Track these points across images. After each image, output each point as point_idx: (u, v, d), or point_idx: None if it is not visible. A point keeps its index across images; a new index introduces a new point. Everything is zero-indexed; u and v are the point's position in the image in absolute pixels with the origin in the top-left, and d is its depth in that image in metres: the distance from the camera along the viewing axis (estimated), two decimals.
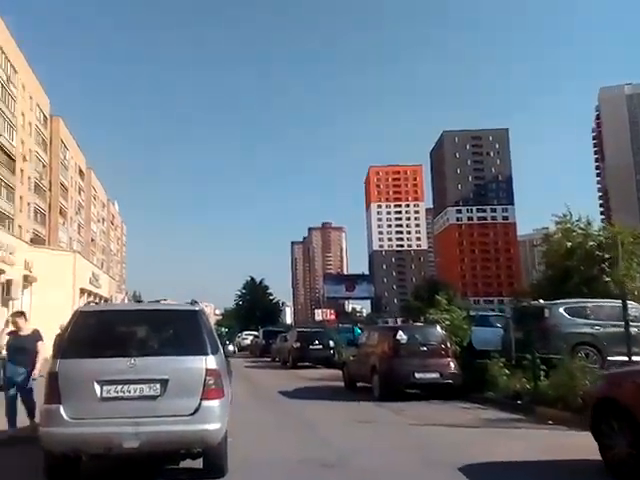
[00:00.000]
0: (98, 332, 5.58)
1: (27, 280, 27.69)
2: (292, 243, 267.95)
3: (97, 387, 5.07)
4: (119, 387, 5.10)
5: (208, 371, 5.24)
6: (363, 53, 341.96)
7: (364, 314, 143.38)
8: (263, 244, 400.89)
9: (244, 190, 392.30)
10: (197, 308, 6.02)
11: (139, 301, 10.07)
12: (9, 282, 24.75)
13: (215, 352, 5.50)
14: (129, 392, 5.11)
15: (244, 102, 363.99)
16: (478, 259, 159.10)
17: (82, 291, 33.61)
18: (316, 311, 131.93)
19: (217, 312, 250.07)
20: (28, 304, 27.95)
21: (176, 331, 5.72)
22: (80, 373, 5.14)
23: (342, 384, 14.33)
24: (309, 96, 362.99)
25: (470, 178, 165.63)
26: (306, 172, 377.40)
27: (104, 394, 5.07)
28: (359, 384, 13.36)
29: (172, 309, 6.51)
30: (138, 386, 5.12)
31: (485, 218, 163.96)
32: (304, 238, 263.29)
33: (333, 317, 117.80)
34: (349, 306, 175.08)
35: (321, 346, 22.30)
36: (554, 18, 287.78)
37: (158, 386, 5.13)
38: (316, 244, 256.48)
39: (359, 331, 34.95)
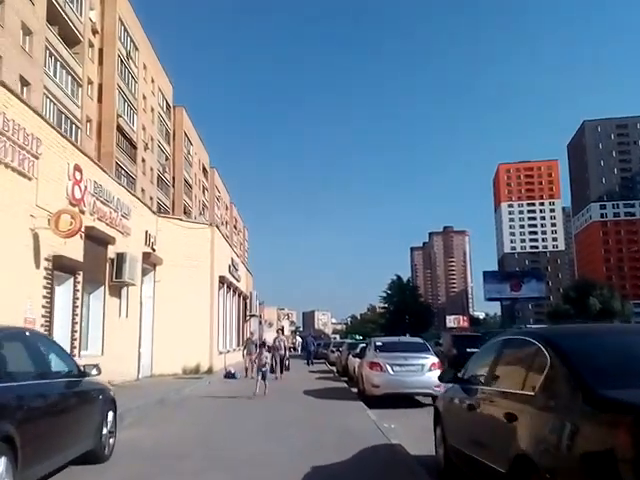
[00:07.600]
0: None
1: (148, 261, 18.55)
2: (411, 249, 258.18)
3: None
4: None
5: None
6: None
7: (498, 321, 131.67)
8: (380, 252, 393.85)
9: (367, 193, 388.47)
10: None
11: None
12: (121, 257, 15.24)
13: None
14: None
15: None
16: (625, 259, 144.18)
17: (221, 281, 23.60)
18: (447, 318, 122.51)
19: (334, 321, 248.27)
20: (150, 296, 19.14)
21: None
22: None
23: None
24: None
25: (616, 171, 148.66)
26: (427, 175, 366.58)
27: None
28: None
29: None
30: None
31: (633, 214, 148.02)
32: (424, 243, 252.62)
33: (467, 324, 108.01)
34: (475, 313, 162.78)
35: None
36: None
37: None
38: (437, 249, 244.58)
39: None
